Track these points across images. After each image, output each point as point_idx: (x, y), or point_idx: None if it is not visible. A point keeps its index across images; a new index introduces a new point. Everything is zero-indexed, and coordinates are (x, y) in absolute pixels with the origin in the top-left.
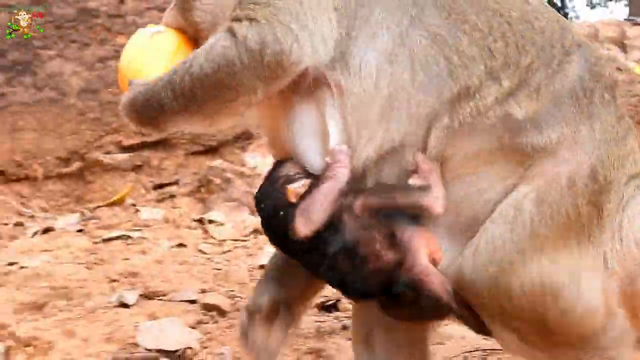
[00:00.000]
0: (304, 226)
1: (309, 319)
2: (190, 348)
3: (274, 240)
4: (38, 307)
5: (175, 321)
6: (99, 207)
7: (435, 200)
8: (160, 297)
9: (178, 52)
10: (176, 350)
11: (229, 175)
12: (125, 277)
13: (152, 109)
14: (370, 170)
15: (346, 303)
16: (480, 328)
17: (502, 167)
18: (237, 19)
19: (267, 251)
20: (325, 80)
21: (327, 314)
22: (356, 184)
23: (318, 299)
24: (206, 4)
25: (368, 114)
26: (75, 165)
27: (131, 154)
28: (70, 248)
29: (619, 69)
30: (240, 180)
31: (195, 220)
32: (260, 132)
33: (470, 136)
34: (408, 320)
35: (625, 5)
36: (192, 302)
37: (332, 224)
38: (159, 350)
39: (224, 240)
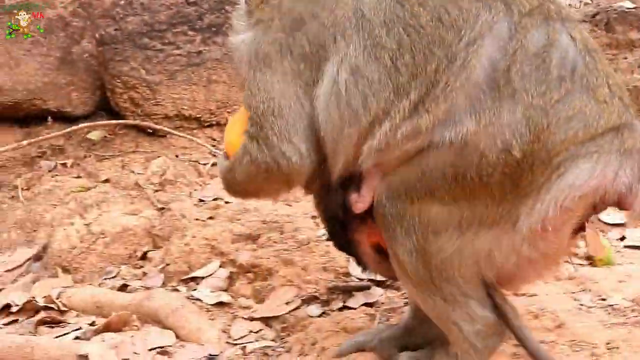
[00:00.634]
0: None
1: None
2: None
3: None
4: (253, 238)
5: None
6: None
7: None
8: None
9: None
10: (385, 280)
11: None
12: None
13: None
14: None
15: None
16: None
17: None
18: (250, 136)
19: None
20: None
21: None
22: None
23: None
24: None
25: (331, 145)
26: None
27: None
28: None
29: None
30: None
31: None
32: None
33: (393, 151)
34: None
35: None
36: None
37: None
38: (370, 280)
39: None
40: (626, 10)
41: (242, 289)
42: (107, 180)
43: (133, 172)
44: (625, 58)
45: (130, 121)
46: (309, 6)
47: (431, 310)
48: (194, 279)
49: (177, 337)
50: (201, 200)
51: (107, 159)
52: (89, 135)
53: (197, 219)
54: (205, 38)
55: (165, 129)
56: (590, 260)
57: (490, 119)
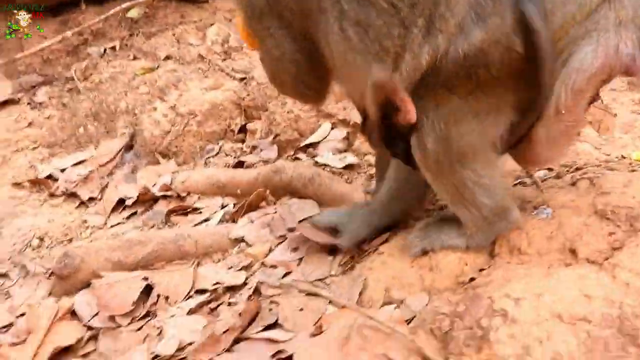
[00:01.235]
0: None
1: None
2: None
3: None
4: None
5: None
6: None
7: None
8: None
9: None
10: None
11: None
12: None
13: None
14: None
15: None
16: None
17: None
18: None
19: None
20: None
21: None
22: None
23: None
24: None
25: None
26: None
27: None
28: None
29: None
30: None
31: None
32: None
33: (418, 74)
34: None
35: None
36: None
37: None
38: None
39: None
40: None
41: (363, 147)
42: (168, 58)
43: (191, 44)
44: None
45: None
46: None
47: (446, 195)
48: (310, 145)
49: (320, 205)
50: None
51: (155, 35)
52: (128, 15)
53: None
54: None
55: None
56: None
57: (495, 23)
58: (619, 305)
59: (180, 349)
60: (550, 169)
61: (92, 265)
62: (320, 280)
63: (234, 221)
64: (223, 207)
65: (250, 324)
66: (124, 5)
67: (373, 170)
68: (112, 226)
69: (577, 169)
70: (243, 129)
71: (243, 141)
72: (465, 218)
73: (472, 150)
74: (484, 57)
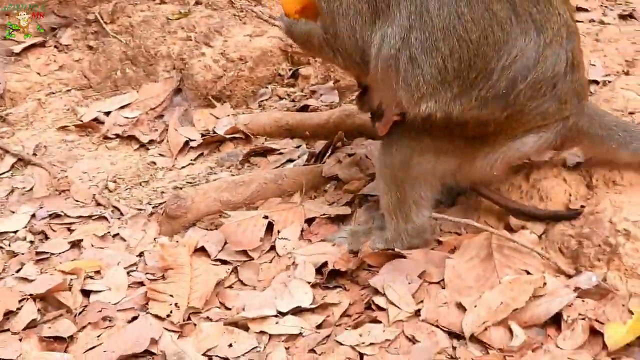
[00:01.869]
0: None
1: None
2: None
3: None
4: None
5: None
6: None
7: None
8: None
9: None
10: None
11: None
12: None
13: (292, 38)
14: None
15: None
16: None
17: None
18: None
19: None
20: None
21: None
22: None
23: None
24: None
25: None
26: None
27: None
28: None
29: None
30: None
31: None
32: None
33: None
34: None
35: None
36: None
37: None
38: None
39: None
40: None
41: None
42: (198, 3)
43: None
44: None
45: None
46: None
47: (386, 202)
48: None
49: None
50: None
51: None
52: None
53: None
54: None
55: None
56: None
57: (491, 111)
58: None
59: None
60: None
61: (200, 206)
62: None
63: (320, 161)
64: (298, 147)
65: None
66: None
67: None
68: (182, 167)
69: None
70: (294, 75)
71: (293, 85)
72: (391, 226)
73: (423, 178)
74: (464, 124)
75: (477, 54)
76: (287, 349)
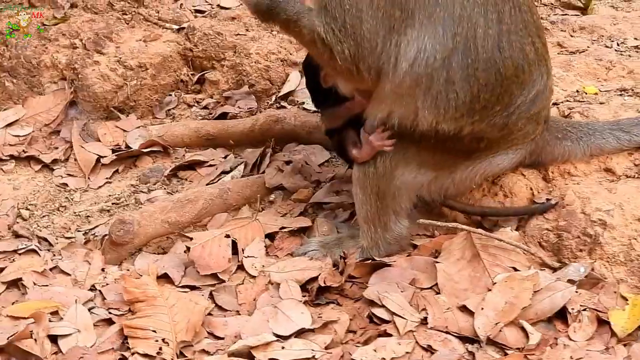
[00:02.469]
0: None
1: None
2: None
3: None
4: None
5: None
6: None
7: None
8: None
9: None
10: None
11: None
12: None
13: (269, 13)
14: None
15: None
16: None
17: None
18: (333, 34)
19: None
20: None
21: None
22: None
23: None
24: None
25: (393, 97)
26: None
27: None
28: None
29: None
30: None
31: None
32: None
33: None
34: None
35: None
36: None
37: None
38: None
39: None
40: None
41: None
42: (74, 5)
43: None
44: None
45: None
46: None
47: (364, 211)
48: (289, 94)
49: (327, 149)
50: (224, 8)
51: None
52: None
53: (238, 34)
54: None
55: None
56: None
57: (490, 131)
58: None
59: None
60: None
61: (148, 229)
62: None
63: (257, 171)
64: (226, 158)
65: None
66: None
67: None
68: (99, 187)
69: (555, 104)
70: (200, 80)
71: (199, 92)
72: (368, 235)
73: (404, 189)
74: (461, 138)
75: (507, 90)
76: None
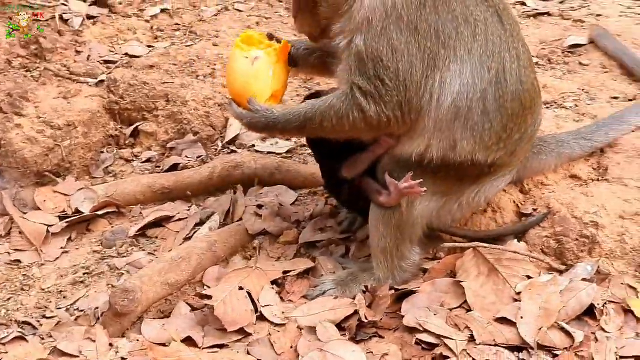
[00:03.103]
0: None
1: None
2: None
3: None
4: None
5: None
6: None
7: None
8: None
9: (274, 76)
10: None
11: None
12: None
13: (268, 130)
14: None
15: None
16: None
17: None
18: (362, 91)
19: None
20: None
21: None
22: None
23: None
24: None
25: (431, 132)
26: None
27: None
28: None
29: None
30: None
31: None
32: None
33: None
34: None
35: None
36: None
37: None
38: None
39: None
40: None
41: None
42: None
43: None
44: None
45: None
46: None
47: (383, 243)
48: (235, 138)
49: (292, 188)
50: (134, 57)
51: None
52: None
53: (165, 82)
54: None
55: None
56: None
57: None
58: None
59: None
60: None
61: (149, 295)
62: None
63: (232, 219)
64: (189, 209)
65: None
66: None
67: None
68: (56, 259)
69: None
70: (134, 134)
71: (134, 146)
72: (385, 265)
73: (420, 218)
74: (469, 167)
75: (525, 119)
76: None
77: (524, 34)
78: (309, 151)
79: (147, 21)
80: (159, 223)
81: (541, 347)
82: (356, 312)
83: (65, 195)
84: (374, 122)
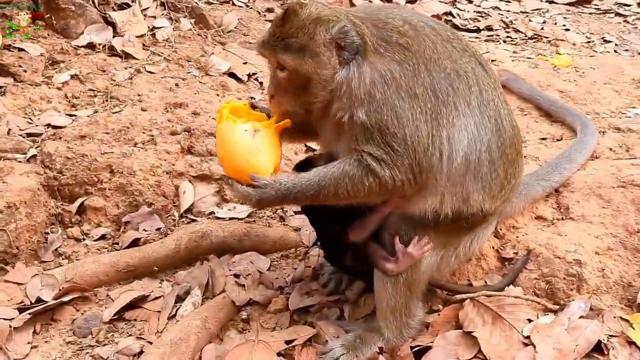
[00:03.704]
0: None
1: None
2: None
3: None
4: None
5: None
6: None
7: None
8: None
9: (275, 148)
10: None
11: None
12: None
13: (278, 202)
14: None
15: None
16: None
17: None
18: (374, 158)
19: None
20: None
21: None
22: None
23: None
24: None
25: (443, 186)
26: None
27: None
28: None
29: None
30: None
31: None
32: None
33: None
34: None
35: None
36: None
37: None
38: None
39: None
40: None
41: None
42: None
43: None
44: None
45: None
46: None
47: (392, 303)
48: (191, 207)
49: (262, 253)
50: (56, 127)
51: None
52: None
53: (104, 153)
54: None
55: None
56: None
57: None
58: (613, 234)
59: None
60: None
61: None
62: None
63: (212, 292)
64: (160, 284)
65: None
66: None
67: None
68: (25, 356)
69: None
70: (80, 210)
71: (81, 223)
72: (393, 324)
73: (426, 274)
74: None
75: (519, 164)
76: None
77: None
78: (269, 213)
79: (59, 88)
80: (134, 304)
81: None
82: None
83: (19, 284)
84: (389, 186)
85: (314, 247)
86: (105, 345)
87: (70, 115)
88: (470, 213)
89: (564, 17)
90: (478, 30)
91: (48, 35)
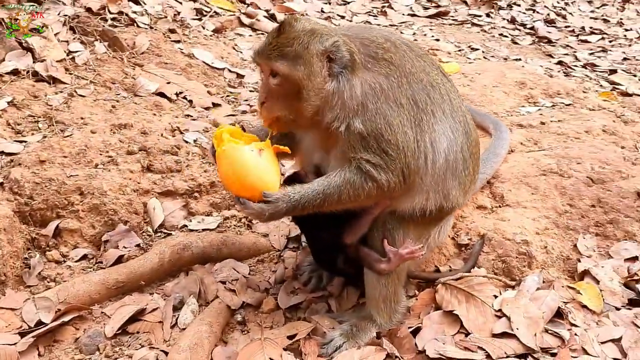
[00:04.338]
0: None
1: None
2: None
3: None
4: None
5: None
6: None
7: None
8: None
9: (277, 165)
10: None
11: None
12: None
13: (288, 214)
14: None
15: None
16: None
17: None
18: (373, 165)
19: None
20: None
21: None
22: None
23: None
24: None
25: (430, 183)
26: None
27: None
28: None
29: None
30: None
31: None
32: None
33: None
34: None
35: None
36: None
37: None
38: None
39: None
40: None
41: (199, 206)
42: None
43: None
44: None
45: None
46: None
47: (385, 292)
48: (164, 222)
49: (239, 260)
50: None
51: None
52: None
53: (71, 176)
54: None
55: None
56: None
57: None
58: (546, 216)
59: None
60: None
61: None
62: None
63: (204, 300)
64: (151, 296)
65: None
66: None
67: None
68: None
69: None
70: (56, 233)
71: (57, 246)
72: (385, 312)
73: (407, 264)
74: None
75: (479, 161)
76: None
77: None
78: (235, 222)
79: None
80: (134, 317)
81: (543, 350)
82: (389, 355)
83: (12, 309)
84: (384, 188)
85: (286, 250)
86: (116, 359)
87: (20, 142)
88: (449, 207)
89: (430, 29)
90: None
91: None
